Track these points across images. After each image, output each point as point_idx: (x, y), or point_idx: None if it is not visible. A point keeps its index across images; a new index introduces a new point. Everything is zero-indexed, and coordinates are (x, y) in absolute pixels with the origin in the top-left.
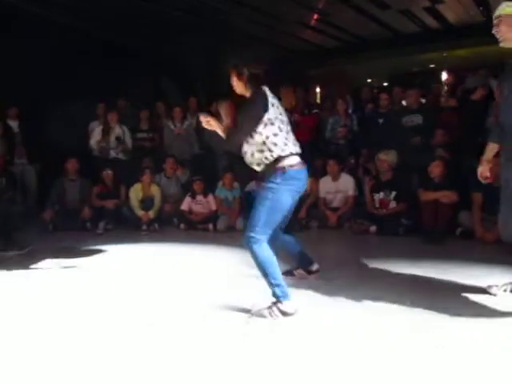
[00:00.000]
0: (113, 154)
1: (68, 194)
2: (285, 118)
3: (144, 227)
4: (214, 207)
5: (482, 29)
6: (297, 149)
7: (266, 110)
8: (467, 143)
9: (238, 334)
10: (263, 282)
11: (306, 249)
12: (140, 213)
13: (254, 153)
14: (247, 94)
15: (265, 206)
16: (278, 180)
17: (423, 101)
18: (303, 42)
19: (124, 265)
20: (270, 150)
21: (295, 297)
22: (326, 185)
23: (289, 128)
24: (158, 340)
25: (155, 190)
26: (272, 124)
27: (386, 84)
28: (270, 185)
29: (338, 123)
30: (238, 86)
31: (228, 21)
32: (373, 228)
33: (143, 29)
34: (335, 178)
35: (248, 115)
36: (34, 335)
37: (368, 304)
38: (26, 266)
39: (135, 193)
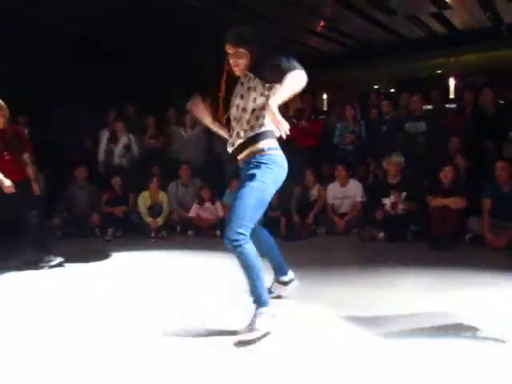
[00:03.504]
0: (117, 160)
1: (77, 200)
2: None
3: (152, 234)
4: (221, 214)
5: (489, 34)
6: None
7: None
8: (478, 149)
9: (239, 335)
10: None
11: (314, 255)
12: (148, 220)
13: (251, 118)
14: (249, 70)
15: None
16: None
17: (429, 107)
18: (309, 49)
19: (131, 270)
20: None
21: (302, 302)
22: (333, 190)
23: None
24: (158, 341)
25: (163, 197)
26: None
27: (392, 90)
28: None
29: (346, 129)
30: (241, 63)
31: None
32: (381, 234)
33: (153, 36)
34: (343, 184)
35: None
36: (38, 336)
37: (374, 310)
38: (33, 271)
39: (143, 200)
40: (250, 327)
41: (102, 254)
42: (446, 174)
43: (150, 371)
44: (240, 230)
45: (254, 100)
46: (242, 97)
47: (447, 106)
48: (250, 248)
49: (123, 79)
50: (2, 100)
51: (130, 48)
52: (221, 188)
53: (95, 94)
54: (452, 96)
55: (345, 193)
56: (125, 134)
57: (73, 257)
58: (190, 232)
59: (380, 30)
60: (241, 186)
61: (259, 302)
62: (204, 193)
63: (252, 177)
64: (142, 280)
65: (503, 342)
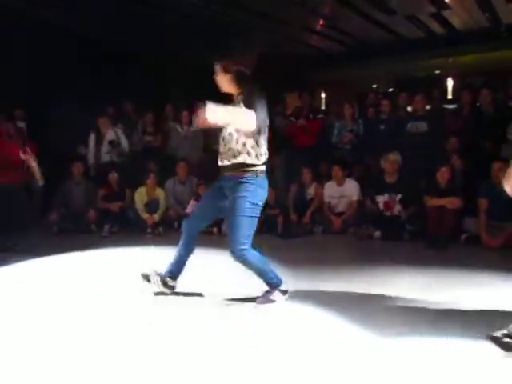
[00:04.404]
0: (105, 157)
1: (73, 196)
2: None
3: (149, 230)
4: None
5: (488, 34)
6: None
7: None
8: (476, 149)
9: (238, 334)
10: (262, 285)
11: (311, 254)
12: (145, 216)
13: (239, 141)
14: (233, 92)
15: (246, 215)
16: (253, 183)
17: (428, 107)
18: (309, 47)
19: (127, 267)
20: (255, 147)
21: (297, 300)
22: (330, 189)
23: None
24: (158, 340)
25: (160, 193)
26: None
27: (391, 90)
28: (245, 191)
29: (345, 128)
30: (222, 83)
31: (233, 25)
32: (377, 233)
33: (150, 34)
34: (340, 183)
35: (260, 107)
36: (35, 334)
37: (370, 309)
38: (29, 266)
39: (140, 196)
40: (265, 299)
41: (98, 250)
42: (443, 175)
43: (150, 371)
44: (240, 247)
45: None
46: None
47: (445, 106)
48: (251, 255)
49: (123, 78)
50: (2, 96)
51: (130, 47)
52: None
53: (94, 92)
54: (450, 96)
55: (341, 192)
56: (110, 128)
57: (69, 253)
58: None
59: (379, 30)
60: (233, 203)
61: (272, 286)
62: (201, 189)
63: (243, 197)
64: (139, 277)
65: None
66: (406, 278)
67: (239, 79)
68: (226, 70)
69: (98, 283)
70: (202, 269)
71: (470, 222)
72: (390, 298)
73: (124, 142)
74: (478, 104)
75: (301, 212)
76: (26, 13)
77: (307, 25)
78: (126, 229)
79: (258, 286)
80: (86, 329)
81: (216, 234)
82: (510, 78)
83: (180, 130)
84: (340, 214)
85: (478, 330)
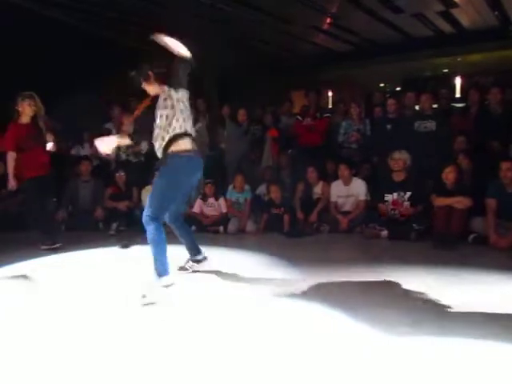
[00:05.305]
0: (123, 156)
1: (81, 195)
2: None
3: None
4: (224, 210)
5: (496, 33)
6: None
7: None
8: (484, 148)
9: (239, 334)
10: (269, 284)
11: (317, 253)
12: None
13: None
14: (160, 92)
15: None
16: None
17: (435, 106)
18: (315, 46)
19: (134, 265)
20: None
21: (304, 299)
22: (337, 189)
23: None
24: (157, 340)
25: None
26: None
27: (398, 89)
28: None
29: (351, 127)
30: (151, 89)
31: (238, 24)
32: (384, 233)
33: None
34: (347, 183)
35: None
36: (36, 334)
37: (376, 308)
38: (33, 264)
39: (147, 194)
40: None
41: (104, 248)
42: (447, 175)
43: (150, 371)
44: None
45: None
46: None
47: (453, 105)
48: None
49: (124, 76)
50: (6, 92)
51: (135, 43)
52: (223, 184)
53: (99, 89)
54: (458, 95)
55: (348, 191)
56: (130, 127)
57: (76, 251)
58: (193, 227)
59: (386, 28)
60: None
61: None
62: (207, 189)
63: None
64: (145, 276)
65: (504, 341)
66: (414, 278)
67: (158, 80)
68: (146, 80)
69: (104, 281)
70: (203, 268)
71: (478, 222)
72: (396, 297)
73: (144, 143)
74: (485, 103)
75: (307, 211)
76: (32, 10)
77: (314, 23)
78: (133, 227)
79: (259, 286)
80: (88, 328)
81: (222, 233)
82: None
83: None
84: (347, 213)
85: (485, 331)
